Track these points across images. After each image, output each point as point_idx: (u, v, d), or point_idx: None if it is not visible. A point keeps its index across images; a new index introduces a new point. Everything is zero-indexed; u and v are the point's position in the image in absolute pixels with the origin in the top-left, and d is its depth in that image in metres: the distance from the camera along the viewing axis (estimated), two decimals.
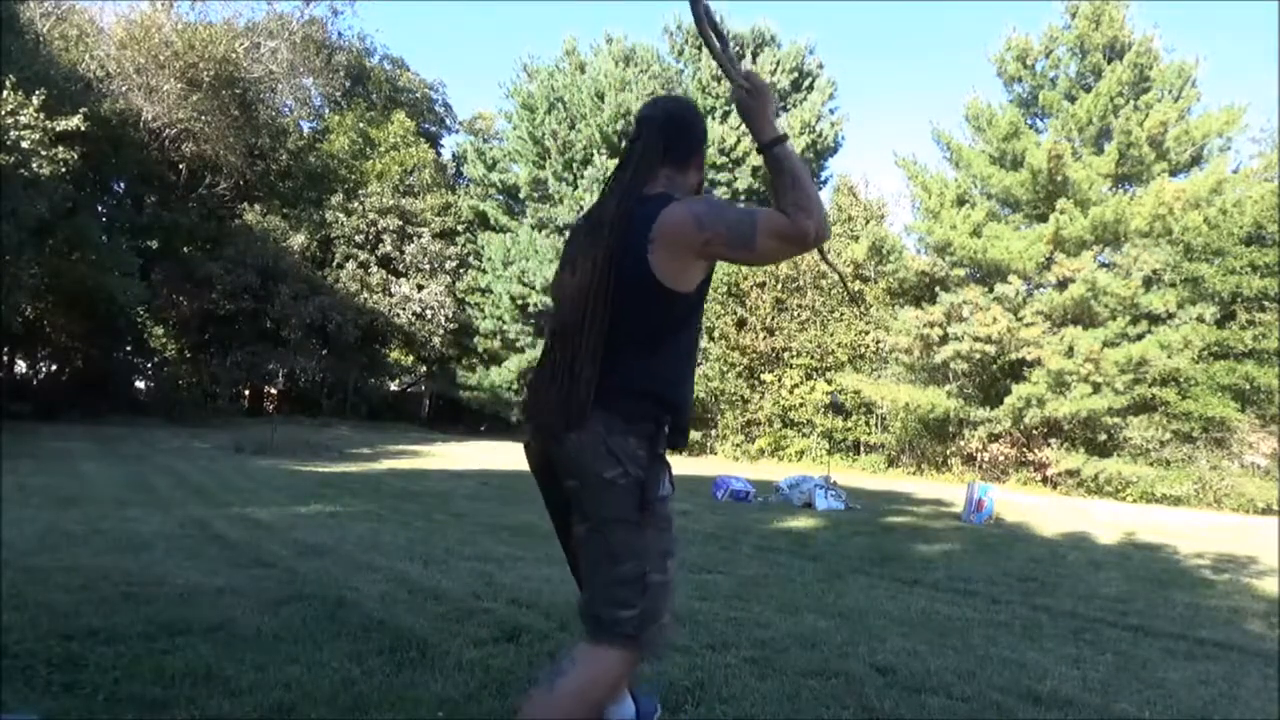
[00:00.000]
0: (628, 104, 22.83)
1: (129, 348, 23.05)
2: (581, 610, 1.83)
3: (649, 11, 51.59)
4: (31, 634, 2.86)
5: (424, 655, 2.88)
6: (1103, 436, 17.04)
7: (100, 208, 21.90)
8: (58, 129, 14.21)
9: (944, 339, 18.59)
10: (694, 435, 21.75)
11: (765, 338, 21.76)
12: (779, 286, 21.87)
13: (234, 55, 21.07)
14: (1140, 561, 6.82)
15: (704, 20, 1.82)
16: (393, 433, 22.03)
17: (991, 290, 18.26)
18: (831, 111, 25.66)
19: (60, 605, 3.27)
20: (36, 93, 13.72)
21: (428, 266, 25.36)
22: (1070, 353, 16.79)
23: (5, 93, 13.36)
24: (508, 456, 15.14)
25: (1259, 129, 21.79)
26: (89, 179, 20.06)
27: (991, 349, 17.77)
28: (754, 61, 24.21)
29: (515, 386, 24.14)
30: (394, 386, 29.86)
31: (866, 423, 21.03)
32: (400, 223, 25.26)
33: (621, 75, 23.67)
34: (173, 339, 24.23)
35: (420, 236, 25.37)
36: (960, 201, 19.76)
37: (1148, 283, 17.04)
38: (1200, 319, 16.03)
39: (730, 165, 22.85)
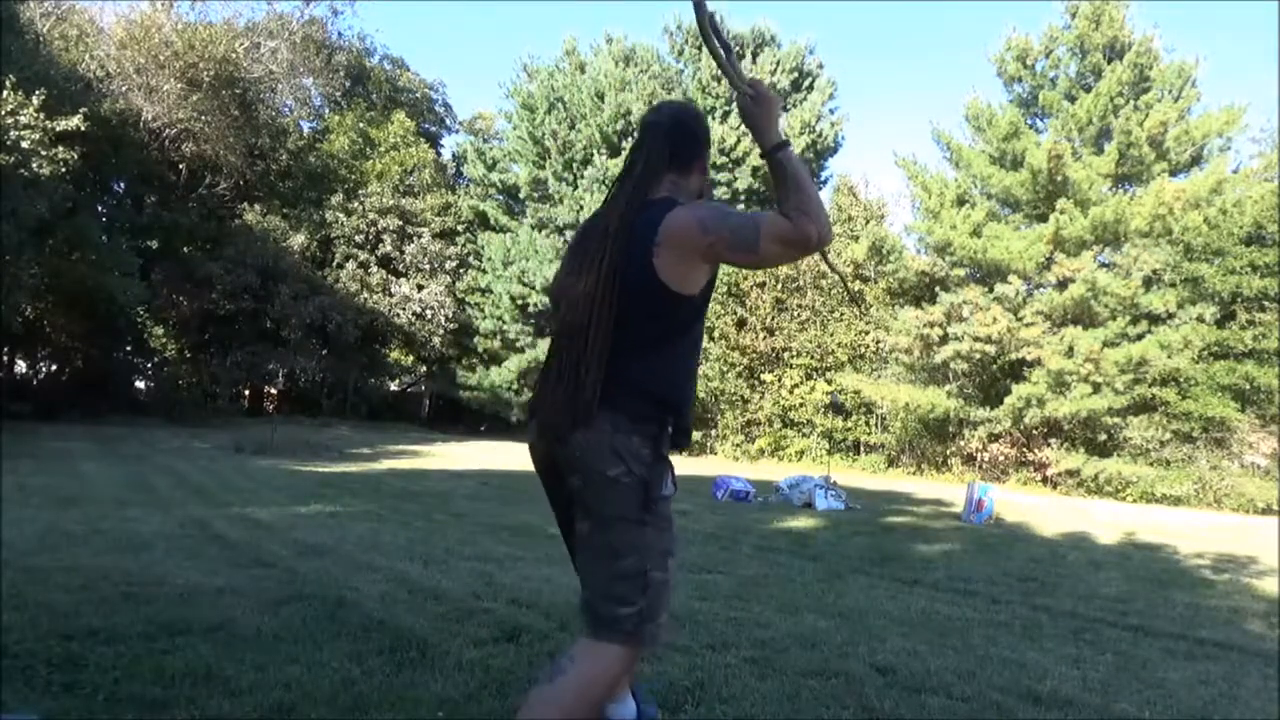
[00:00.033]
0: (628, 104, 22.83)
1: (129, 348, 23.04)
2: (582, 607, 1.86)
3: (649, 11, 51.65)
4: (31, 634, 2.86)
5: (424, 655, 2.88)
6: (1103, 436, 17.05)
7: (100, 208, 21.89)
8: (58, 129, 14.20)
9: (944, 339, 18.60)
10: (694, 435, 21.75)
11: (765, 338, 21.76)
12: (779, 286, 21.88)
13: (234, 55, 21.06)
14: (1140, 561, 6.82)
15: (709, 29, 1.84)
16: (393, 433, 22.03)
17: (991, 290, 18.26)
18: (831, 111, 25.66)
19: (60, 605, 3.27)
20: (36, 93, 13.72)
21: (428, 266, 25.37)
22: (1070, 353, 16.79)
23: (5, 93, 13.36)
24: (508, 456, 15.16)
25: (1259, 129, 21.85)
26: (89, 179, 20.06)
27: (991, 349, 17.77)
28: (754, 61, 24.20)
29: (515, 386, 24.14)
30: (394, 386, 29.86)
31: (866, 423, 21.03)
32: (400, 223, 25.26)
33: (621, 75, 23.67)
34: (173, 339, 24.24)
35: (420, 236, 25.37)
36: (960, 201, 19.76)
37: (1148, 283, 17.04)
38: (1200, 319, 16.03)
39: (730, 165, 22.84)
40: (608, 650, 1.79)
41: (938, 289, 19.50)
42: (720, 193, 21.87)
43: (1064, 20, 19.02)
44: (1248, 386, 15.27)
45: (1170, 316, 16.61)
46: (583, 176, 23.57)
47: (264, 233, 22.89)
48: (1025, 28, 22.83)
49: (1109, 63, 18.18)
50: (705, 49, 1.86)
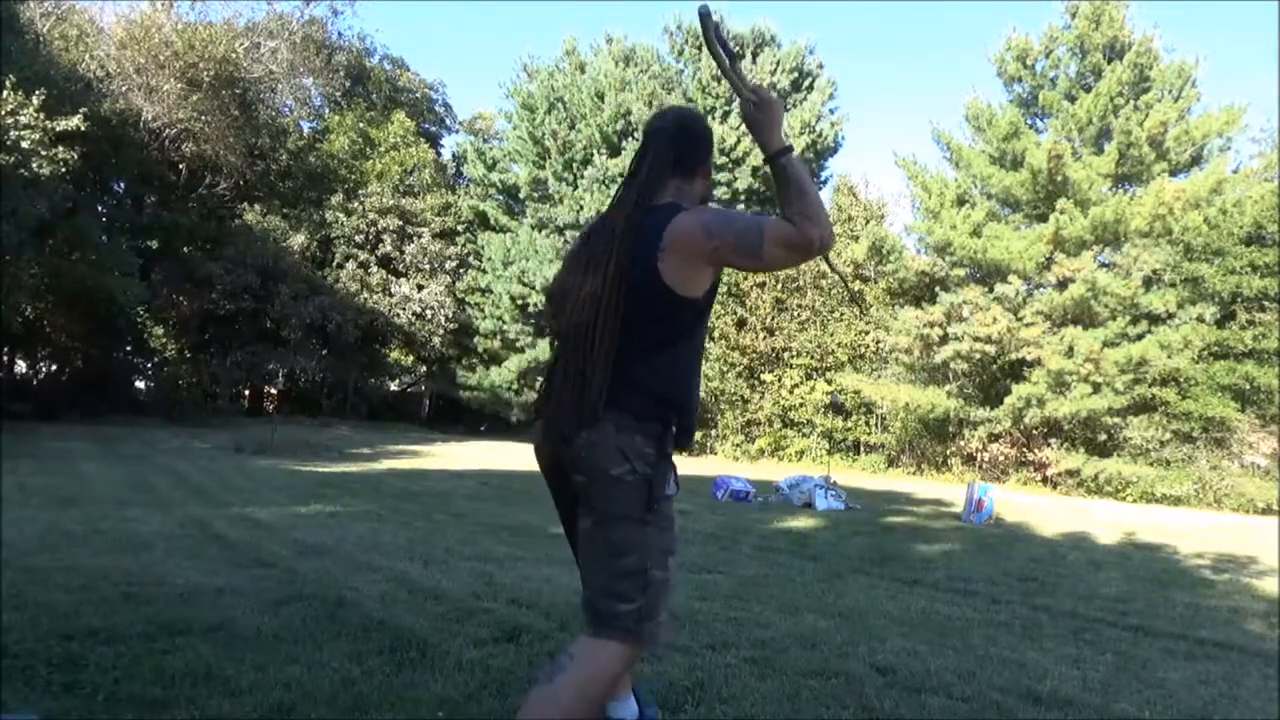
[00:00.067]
0: (628, 104, 22.82)
1: (129, 348, 23.05)
2: (583, 605, 1.88)
3: (649, 11, 51.70)
4: (31, 634, 2.86)
5: (424, 655, 2.88)
6: (1103, 436, 17.05)
7: (100, 208, 21.89)
8: (58, 129, 14.21)
9: (944, 339, 18.60)
10: (695, 435, 21.74)
11: (765, 338, 21.77)
12: (779, 286, 21.88)
13: (234, 55, 21.06)
14: (1140, 561, 6.82)
15: (714, 38, 1.87)
16: (393, 433, 22.03)
17: (991, 290, 18.26)
18: (831, 111, 25.64)
19: (60, 605, 3.27)
20: (36, 93, 13.72)
21: (428, 266, 25.37)
22: (1070, 353, 16.79)
23: (5, 93, 13.36)
24: (508, 456, 15.16)
25: (1259, 129, 21.83)
26: (89, 179, 20.06)
27: (991, 349, 17.77)
28: (754, 61, 24.18)
29: (515, 386, 24.14)
30: (394, 386, 29.87)
31: (866, 423, 21.03)
32: (400, 223, 25.26)
33: (621, 75, 23.66)
34: (173, 339, 24.24)
35: (420, 236, 25.37)
36: (960, 201, 19.76)
37: (1148, 283, 17.04)
38: (1200, 319, 16.03)
39: (730, 165, 22.84)
40: (607, 648, 1.81)
41: (938, 289, 19.50)
42: (720, 192, 21.86)
43: (1064, 20, 19.03)
44: (1248, 386, 15.27)
45: (1170, 316, 16.61)
46: (583, 176, 23.56)
47: (264, 233, 22.89)
48: (1025, 28, 22.85)
49: (1109, 63, 18.18)
50: (709, 54, 1.88)
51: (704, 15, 1.85)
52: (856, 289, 21.15)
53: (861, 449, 21.11)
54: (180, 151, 21.54)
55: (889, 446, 20.51)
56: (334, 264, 24.87)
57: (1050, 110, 18.87)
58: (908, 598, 4.59)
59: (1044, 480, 17.47)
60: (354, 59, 28.04)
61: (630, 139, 22.78)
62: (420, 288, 25.01)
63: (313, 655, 2.82)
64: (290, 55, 22.97)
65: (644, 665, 2.75)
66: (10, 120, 13.38)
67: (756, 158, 21.43)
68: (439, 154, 29.95)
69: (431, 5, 55.98)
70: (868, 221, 22.90)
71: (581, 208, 23.02)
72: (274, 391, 26.58)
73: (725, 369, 21.83)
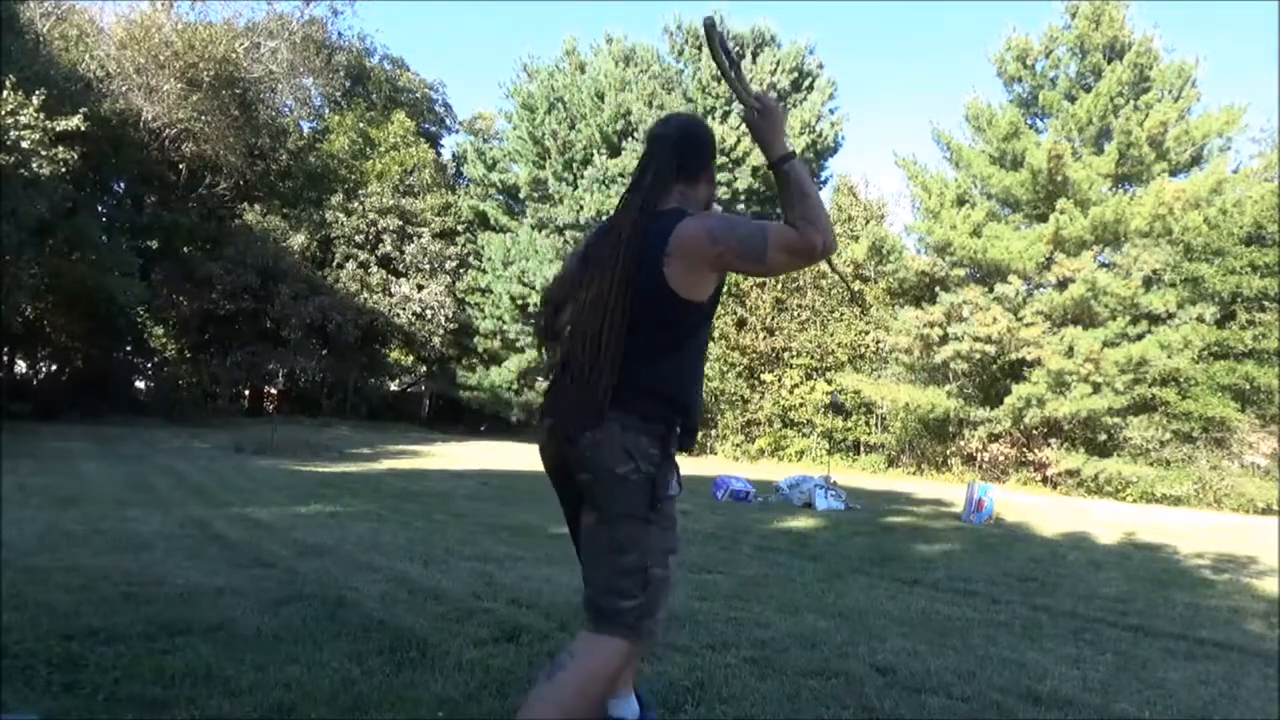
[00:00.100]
0: (628, 104, 22.82)
1: (129, 348, 23.04)
2: (585, 602, 1.91)
3: (649, 11, 51.72)
4: (31, 634, 2.86)
5: (424, 655, 2.88)
6: (1103, 436, 17.05)
7: (100, 208, 21.88)
8: (58, 129, 14.20)
9: (944, 339, 18.60)
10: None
11: (765, 338, 21.77)
12: (779, 286, 21.88)
13: (234, 55, 21.06)
14: (1140, 561, 6.82)
15: (717, 46, 1.91)
16: (393, 433, 22.03)
17: (991, 290, 18.26)
18: (831, 111, 25.63)
19: (60, 605, 3.27)
20: (36, 93, 13.71)
21: (428, 266, 25.37)
22: (1070, 353, 16.79)
23: (5, 93, 13.35)
24: (508, 456, 15.17)
25: (1259, 129, 21.83)
26: (89, 179, 20.05)
27: (991, 349, 17.77)
28: (754, 62, 24.18)
29: (515, 386, 24.14)
30: (394, 386, 29.86)
31: (866, 423, 21.03)
32: (400, 223, 25.26)
33: (621, 75, 23.66)
34: (173, 339, 24.23)
35: (420, 236, 25.37)
36: (960, 201, 19.76)
37: (1148, 283, 17.05)
38: (1200, 319, 16.03)
39: (730, 165, 22.84)
40: (608, 643, 1.84)
41: (938, 289, 19.50)
42: (720, 193, 21.81)
43: (1064, 20, 19.03)
44: (1248, 386, 15.27)
45: (1170, 316, 16.61)
46: (583, 176, 23.55)
47: (264, 233, 22.89)
48: (1025, 28, 22.85)
49: (1109, 63, 18.18)
50: (711, 59, 1.93)
51: (709, 25, 1.90)
52: (856, 289, 21.16)
53: (861, 449, 21.11)
54: (180, 151, 21.54)
55: (889, 446, 20.51)
56: (334, 264, 24.86)
57: (1050, 110, 18.87)
58: (908, 598, 4.59)
59: (1044, 480, 17.47)
60: (354, 59, 28.04)
61: (630, 139, 22.78)
62: (420, 288, 25.00)
63: (313, 655, 2.82)
64: (290, 55, 22.96)
65: (644, 665, 2.75)
66: (10, 120, 13.37)
67: (756, 158, 21.44)
68: (439, 154, 29.95)
69: (431, 5, 56.06)
70: (868, 221, 22.91)
71: (581, 208, 23.01)
72: (274, 391, 26.58)
73: (725, 369, 21.83)
